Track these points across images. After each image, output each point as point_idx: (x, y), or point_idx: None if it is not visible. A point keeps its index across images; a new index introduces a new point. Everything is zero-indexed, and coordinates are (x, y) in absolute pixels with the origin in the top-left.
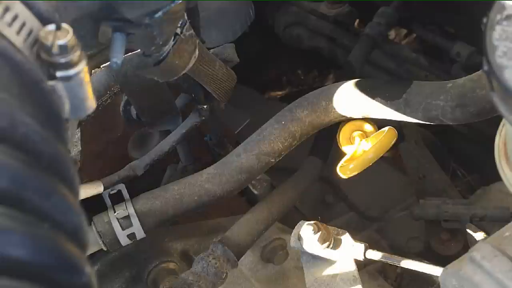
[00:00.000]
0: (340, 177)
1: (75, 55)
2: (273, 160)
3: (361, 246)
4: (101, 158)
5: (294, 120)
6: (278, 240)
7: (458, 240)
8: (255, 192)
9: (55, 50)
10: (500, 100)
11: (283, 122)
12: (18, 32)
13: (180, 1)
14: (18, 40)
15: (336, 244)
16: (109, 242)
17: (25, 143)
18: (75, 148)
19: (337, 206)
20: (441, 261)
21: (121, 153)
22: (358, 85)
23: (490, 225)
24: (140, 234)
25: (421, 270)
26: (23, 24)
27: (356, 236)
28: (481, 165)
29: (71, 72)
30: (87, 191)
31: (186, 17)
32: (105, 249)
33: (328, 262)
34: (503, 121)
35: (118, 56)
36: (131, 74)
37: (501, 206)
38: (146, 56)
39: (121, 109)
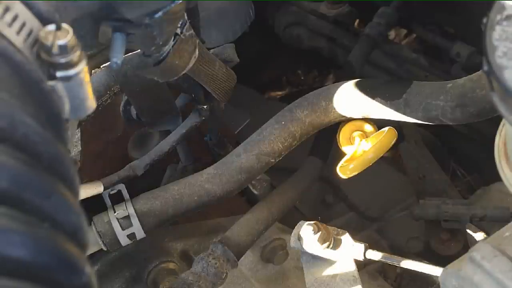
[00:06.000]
0: (340, 177)
1: (75, 55)
2: (273, 160)
3: (361, 246)
4: (101, 158)
5: (294, 120)
6: (278, 240)
7: (458, 240)
8: (255, 192)
9: (55, 50)
10: (500, 100)
11: (283, 122)
12: (18, 32)
13: (180, 1)
14: (18, 40)
15: (336, 244)
16: (109, 242)
17: (25, 143)
18: (75, 148)
19: (337, 206)
20: (441, 261)
21: (121, 153)
22: (358, 85)
23: (490, 225)
24: (140, 234)
25: (421, 270)
26: (23, 24)
27: (356, 236)
28: (481, 165)
29: (71, 72)
30: (87, 191)
31: (186, 17)
32: (105, 249)
33: (328, 262)
34: (503, 121)
35: (118, 56)
36: (131, 74)
37: (501, 206)
38: (146, 56)
39: (121, 109)
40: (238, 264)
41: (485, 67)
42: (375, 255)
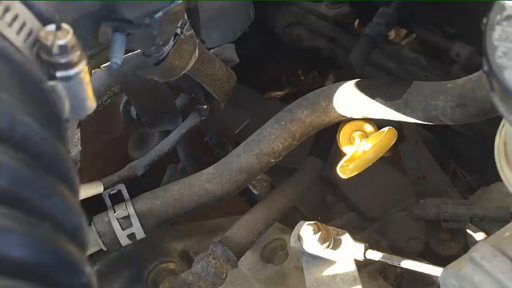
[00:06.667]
0: (340, 177)
1: (75, 55)
2: (273, 160)
3: (361, 246)
4: (101, 158)
5: (294, 120)
6: (278, 240)
7: (458, 240)
8: (255, 192)
9: (55, 50)
10: (500, 100)
11: (283, 122)
12: (18, 32)
13: (180, 1)
14: (18, 40)
15: (336, 244)
16: (109, 242)
17: (25, 143)
18: (75, 148)
19: (337, 206)
20: (441, 261)
21: (121, 153)
22: (358, 85)
23: (490, 225)
24: (140, 234)
25: (421, 270)
26: (23, 24)
27: (356, 236)
28: (481, 165)
29: (71, 72)
30: (87, 191)
31: (186, 17)
32: (105, 249)
33: (328, 262)
34: (503, 121)
35: (118, 56)
36: (131, 74)
37: (501, 206)
38: (146, 56)
39: (121, 109)
40: (238, 264)
41: (485, 67)
42: (375, 255)
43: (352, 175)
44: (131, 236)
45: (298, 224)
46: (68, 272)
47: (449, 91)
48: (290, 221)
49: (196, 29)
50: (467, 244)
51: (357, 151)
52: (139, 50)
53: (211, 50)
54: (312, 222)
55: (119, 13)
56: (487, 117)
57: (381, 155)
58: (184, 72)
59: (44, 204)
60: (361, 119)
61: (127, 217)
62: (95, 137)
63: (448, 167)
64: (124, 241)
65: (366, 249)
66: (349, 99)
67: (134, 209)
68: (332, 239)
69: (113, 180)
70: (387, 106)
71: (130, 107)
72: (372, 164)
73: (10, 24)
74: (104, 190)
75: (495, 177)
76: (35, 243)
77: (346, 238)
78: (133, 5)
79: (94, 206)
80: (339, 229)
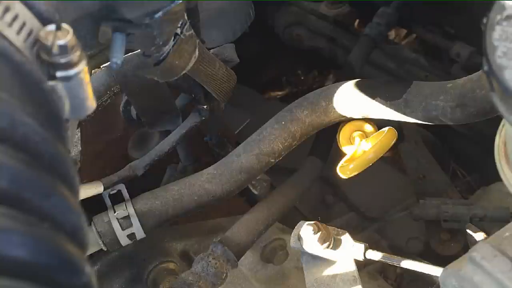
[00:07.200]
0: (340, 177)
1: (75, 55)
2: (273, 160)
3: (361, 246)
4: (101, 158)
5: (294, 120)
6: (278, 240)
7: (458, 240)
8: (255, 192)
9: (55, 50)
10: (500, 100)
11: (283, 122)
12: (18, 32)
13: (180, 1)
14: (18, 40)
15: (336, 244)
16: (109, 242)
17: (25, 143)
18: (75, 148)
19: (337, 206)
20: (441, 261)
21: (121, 153)
22: (358, 85)
23: (490, 225)
24: (140, 234)
25: (421, 270)
26: (23, 24)
27: (356, 236)
28: (481, 165)
29: (71, 72)
30: (87, 191)
31: (186, 17)
32: (105, 249)
33: (328, 262)
34: (503, 121)
35: (118, 56)
36: (131, 74)
37: (501, 206)
38: (146, 56)
39: (121, 109)
40: (238, 264)
41: (485, 67)
42: (375, 255)
43: (352, 175)
44: (131, 236)
45: (298, 224)
46: (68, 272)
47: (449, 91)
48: (290, 221)
49: (196, 29)
50: (467, 244)
51: (357, 151)
52: (139, 50)
53: (211, 50)
54: (312, 222)
55: (119, 13)
56: (487, 117)
57: (381, 155)
58: (184, 72)
59: (44, 204)
60: (361, 119)
61: (127, 217)
62: (95, 137)
63: (448, 167)
64: (124, 241)
65: (366, 249)
66: (349, 99)
67: (134, 209)
68: (332, 239)
69: (113, 180)
70: (387, 106)
71: (130, 107)
72: (372, 164)
73: (10, 24)
74: (104, 190)
75: (495, 177)
76: (35, 243)
77: (346, 238)
78: (133, 5)
79: (94, 206)
80: (339, 229)
